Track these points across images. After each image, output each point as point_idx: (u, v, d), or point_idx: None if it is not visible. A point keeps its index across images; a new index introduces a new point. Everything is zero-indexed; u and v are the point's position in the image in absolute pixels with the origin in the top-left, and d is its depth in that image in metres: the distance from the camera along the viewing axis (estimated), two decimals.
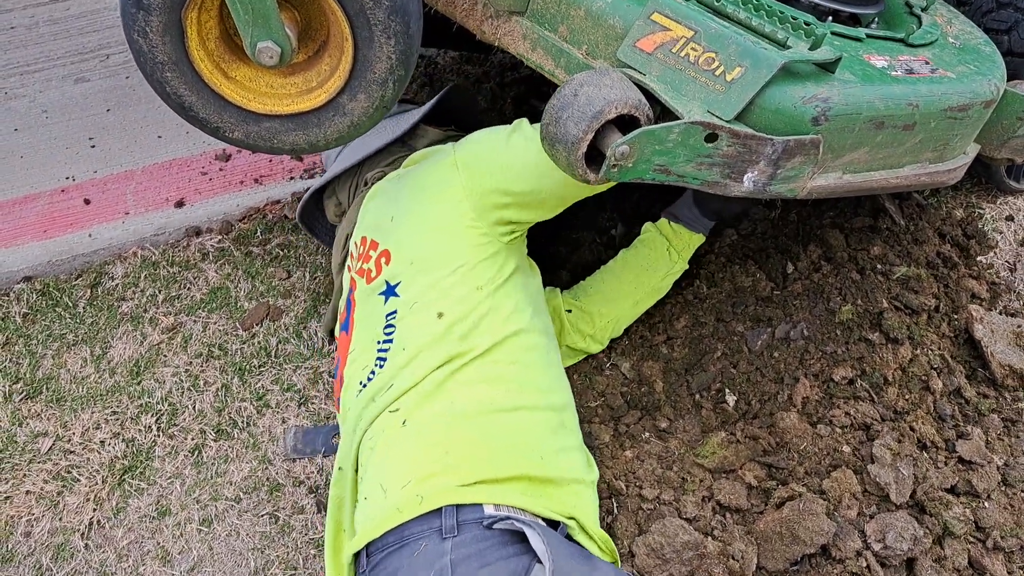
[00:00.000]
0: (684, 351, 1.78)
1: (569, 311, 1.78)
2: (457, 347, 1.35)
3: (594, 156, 1.21)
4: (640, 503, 1.54)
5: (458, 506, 1.20)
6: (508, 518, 1.18)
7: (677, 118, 1.18)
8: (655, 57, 1.26)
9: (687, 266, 1.83)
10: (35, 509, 1.68)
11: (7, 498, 1.70)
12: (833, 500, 1.47)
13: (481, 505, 1.21)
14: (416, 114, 1.76)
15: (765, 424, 1.62)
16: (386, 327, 1.41)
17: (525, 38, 1.41)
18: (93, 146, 2.44)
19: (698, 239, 1.83)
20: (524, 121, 1.48)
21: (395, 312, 1.41)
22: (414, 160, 1.58)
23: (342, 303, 1.59)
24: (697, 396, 1.72)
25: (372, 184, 1.62)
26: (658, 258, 1.78)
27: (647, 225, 1.86)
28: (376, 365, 1.39)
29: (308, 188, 1.92)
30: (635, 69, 1.26)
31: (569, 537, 1.32)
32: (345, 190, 1.77)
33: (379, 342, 1.41)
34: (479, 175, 1.44)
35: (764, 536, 1.45)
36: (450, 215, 1.43)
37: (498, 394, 1.34)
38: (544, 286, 1.82)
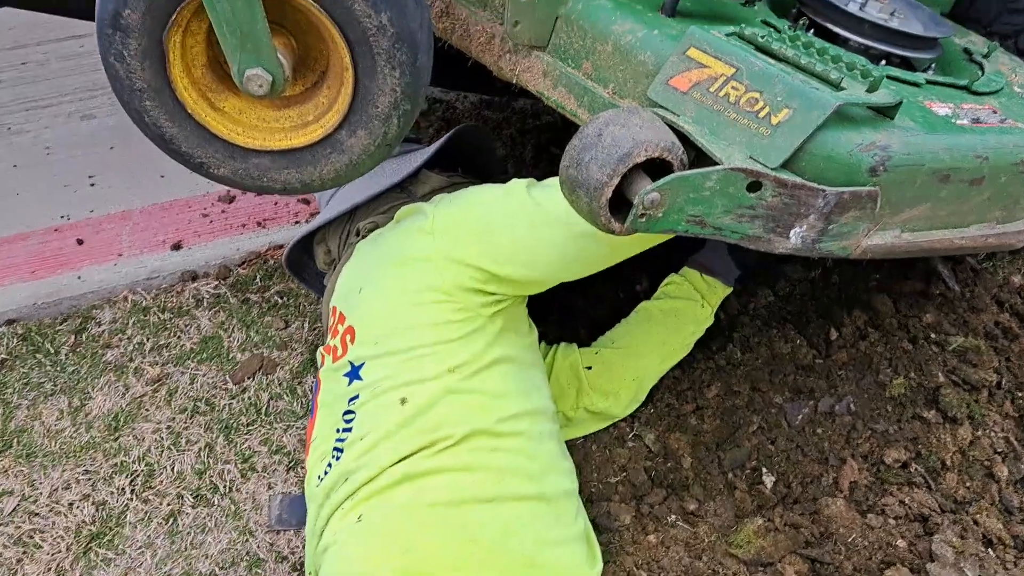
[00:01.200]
0: (715, 423, 1.60)
1: (589, 368, 1.61)
2: (423, 439, 1.18)
3: (620, 205, 1.07)
4: None
5: None
6: None
7: (714, 164, 1.04)
8: (690, 96, 1.12)
9: (713, 320, 1.67)
10: None
11: None
12: None
13: None
14: (419, 156, 1.62)
15: (808, 511, 1.44)
16: (346, 413, 1.25)
17: (546, 75, 1.28)
18: (93, 184, 2.34)
19: (727, 291, 1.68)
20: (522, 182, 1.31)
21: (357, 397, 1.25)
22: (401, 216, 1.43)
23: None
24: (730, 475, 1.54)
25: (364, 234, 1.48)
26: (689, 313, 1.63)
27: (672, 277, 1.70)
28: (333, 456, 1.23)
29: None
30: (668, 109, 1.13)
31: None
32: (336, 237, 1.61)
33: (338, 430, 1.25)
34: (457, 244, 1.28)
35: None
36: (419, 288, 1.27)
37: (475, 482, 1.16)
38: (559, 341, 1.67)
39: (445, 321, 1.25)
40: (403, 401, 1.21)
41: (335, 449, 1.25)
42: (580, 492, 1.55)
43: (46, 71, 2.92)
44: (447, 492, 1.16)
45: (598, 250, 1.23)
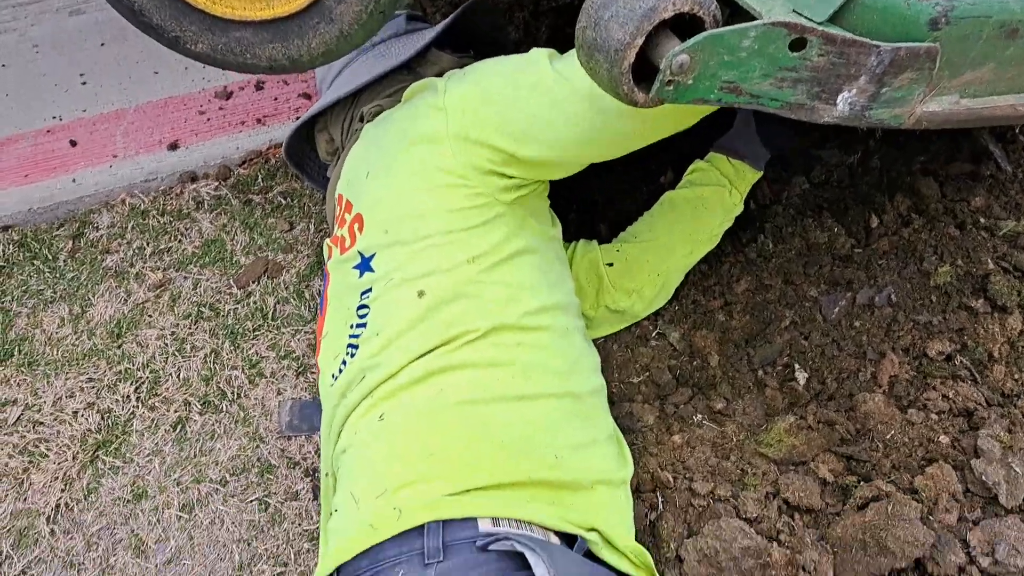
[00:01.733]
0: (745, 319, 1.51)
1: (610, 264, 1.50)
2: (443, 333, 1.09)
3: (645, 71, 0.95)
4: (691, 499, 1.29)
5: (445, 522, 0.95)
6: (506, 537, 0.93)
7: (752, 19, 0.91)
8: None
9: (743, 208, 1.56)
10: None
11: None
12: (928, 502, 1.21)
13: (475, 520, 0.96)
14: (427, 35, 1.48)
15: (843, 407, 1.35)
16: (359, 308, 1.16)
17: None
18: (84, 83, 2.22)
19: (756, 176, 1.55)
20: (543, 52, 1.18)
21: (370, 290, 1.15)
22: (410, 94, 1.30)
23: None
24: (760, 372, 1.45)
25: (369, 119, 1.36)
26: (717, 201, 1.51)
27: (697, 163, 1.57)
28: (347, 353, 1.14)
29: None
30: None
31: (590, 554, 1.07)
32: (338, 124, 1.48)
33: (352, 325, 1.16)
34: (471, 121, 1.15)
35: (843, 544, 1.20)
36: (430, 171, 1.16)
37: (499, 379, 1.08)
38: (578, 239, 1.56)
39: (460, 207, 1.15)
40: (420, 294, 1.12)
41: (349, 346, 1.17)
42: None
43: None
44: (470, 390, 1.08)
45: (626, 127, 1.11)
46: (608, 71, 0.93)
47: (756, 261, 1.57)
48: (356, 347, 1.15)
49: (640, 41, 0.90)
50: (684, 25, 0.93)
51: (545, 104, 1.11)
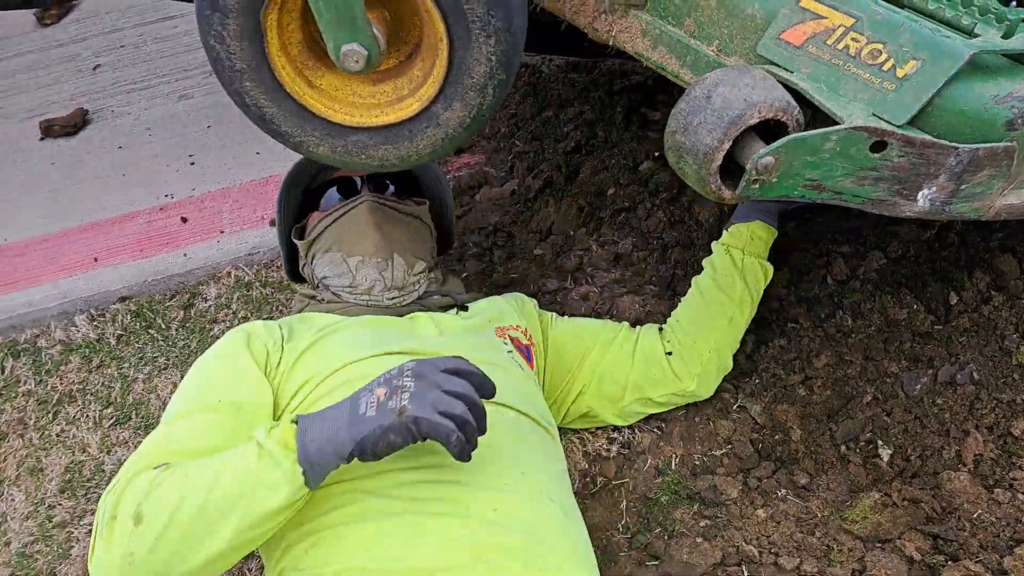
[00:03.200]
0: (826, 394, 1.54)
1: (669, 354, 1.53)
2: None
3: (730, 170, 1.02)
4: (776, 574, 1.32)
5: None
6: None
7: (834, 123, 0.97)
8: (805, 51, 1.05)
9: (770, 266, 1.58)
10: None
11: (91, 530, 1.63)
12: None
13: None
14: None
15: (928, 485, 1.37)
16: None
17: (644, 34, 1.22)
18: (193, 163, 2.41)
19: (760, 229, 1.57)
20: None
21: None
22: None
23: None
24: (843, 448, 1.47)
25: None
26: (724, 265, 1.56)
27: (713, 244, 1.63)
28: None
29: None
30: (780, 66, 1.06)
31: None
32: None
33: None
34: None
35: None
36: None
37: None
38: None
39: None
40: None
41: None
42: (685, 463, 1.53)
43: (142, 53, 3.01)
44: None
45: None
46: (696, 171, 1.01)
47: (835, 336, 1.60)
48: None
49: (727, 146, 0.98)
50: (768, 127, 1.00)
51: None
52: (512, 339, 1.45)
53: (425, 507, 1.08)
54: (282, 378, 1.24)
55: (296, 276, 1.64)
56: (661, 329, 1.58)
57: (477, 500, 1.10)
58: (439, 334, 1.39)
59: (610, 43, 1.28)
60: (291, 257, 1.63)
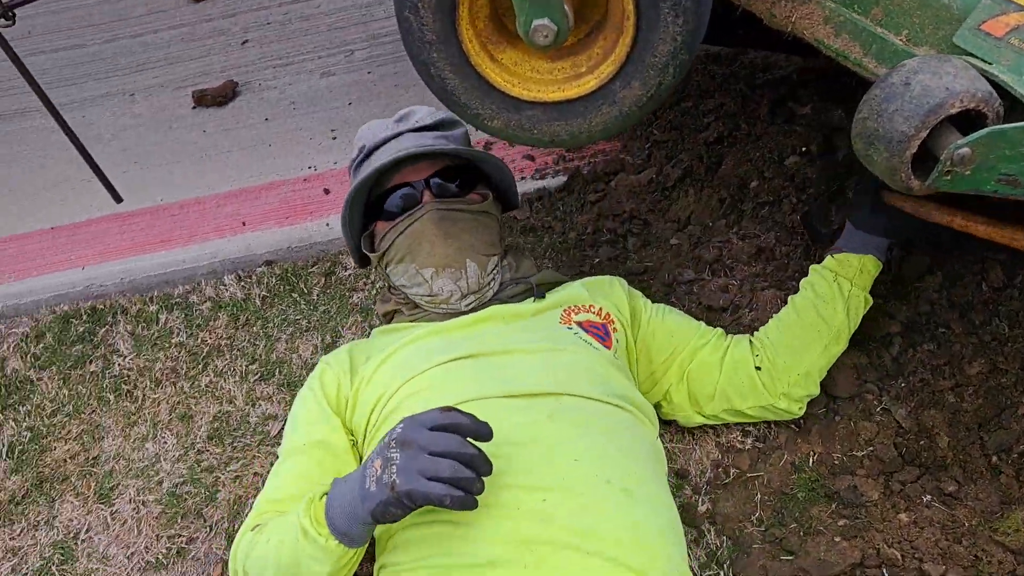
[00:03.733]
0: (978, 402, 1.49)
1: (758, 368, 1.49)
2: None
3: (918, 160, 1.00)
4: None
5: None
6: None
7: None
8: (1007, 43, 1.02)
9: (871, 300, 1.51)
10: None
11: (237, 477, 1.73)
12: None
13: None
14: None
15: None
16: None
17: (827, 21, 1.21)
18: (334, 138, 2.50)
19: (871, 263, 1.49)
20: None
21: None
22: None
23: None
24: (994, 458, 1.42)
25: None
26: (829, 293, 1.48)
27: (813, 266, 1.56)
28: None
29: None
30: (978, 57, 1.03)
31: None
32: None
33: None
34: None
35: None
36: None
37: None
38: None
39: None
40: None
41: None
42: (823, 462, 1.51)
43: (287, 31, 3.13)
44: None
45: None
46: (888, 159, 0.99)
47: (991, 344, 1.55)
48: None
49: (924, 134, 0.96)
50: (963, 119, 0.97)
51: None
52: (581, 322, 1.44)
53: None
54: (355, 403, 1.38)
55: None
56: (751, 342, 1.53)
57: (523, 498, 1.13)
58: (505, 324, 1.42)
59: (788, 29, 1.27)
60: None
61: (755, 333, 1.56)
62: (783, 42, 2.06)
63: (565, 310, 1.46)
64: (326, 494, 1.12)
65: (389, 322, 1.57)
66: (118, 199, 1.96)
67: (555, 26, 1.08)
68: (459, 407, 1.07)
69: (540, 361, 1.32)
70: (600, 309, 1.48)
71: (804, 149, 1.91)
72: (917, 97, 0.95)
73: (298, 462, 1.34)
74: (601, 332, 1.43)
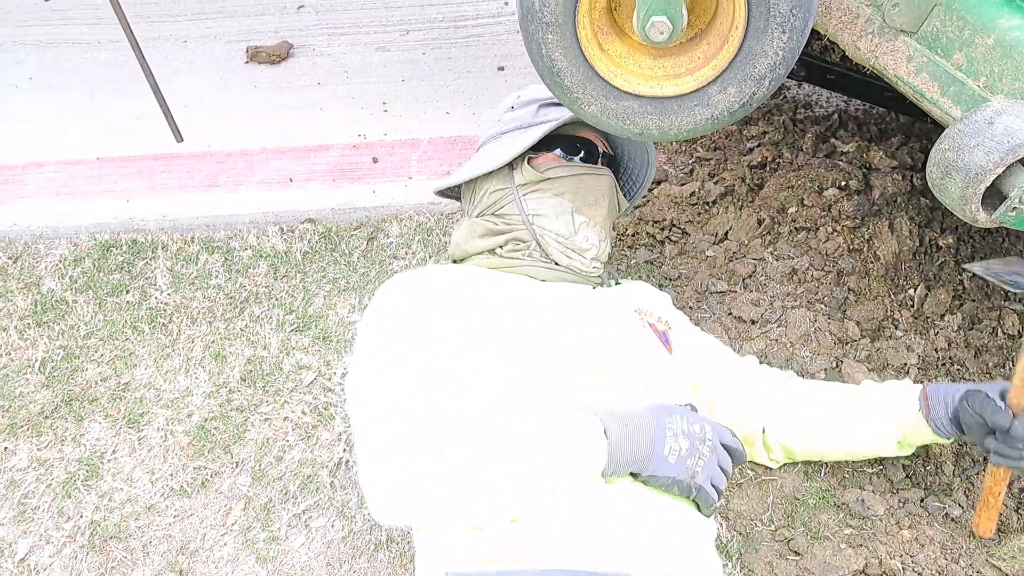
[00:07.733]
0: None
1: (764, 431, 1.50)
2: None
3: (986, 195, 1.09)
4: None
5: None
6: None
7: None
8: None
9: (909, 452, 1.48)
10: (290, 436, 1.74)
11: (267, 419, 1.78)
12: None
13: None
14: (528, 137, 1.49)
15: None
16: None
17: (910, 60, 1.30)
18: (386, 110, 2.56)
19: (936, 440, 1.42)
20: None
21: None
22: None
23: None
24: None
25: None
26: (888, 437, 1.44)
27: (890, 398, 1.47)
28: None
29: None
30: None
31: None
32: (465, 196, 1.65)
33: None
34: None
35: None
36: None
37: None
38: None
39: None
40: None
41: None
42: (834, 474, 1.59)
43: (343, 2, 3.19)
44: None
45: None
46: (962, 190, 1.08)
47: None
48: None
49: (1000, 170, 1.05)
50: None
51: None
52: (650, 324, 1.47)
53: None
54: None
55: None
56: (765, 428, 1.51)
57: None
58: (603, 310, 1.43)
59: (870, 63, 1.36)
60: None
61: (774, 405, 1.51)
62: (872, 91, 2.14)
63: (637, 310, 1.47)
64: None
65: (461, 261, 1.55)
66: (179, 138, 2.00)
67: (671, 24, 1.16)
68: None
69: (638, 378, 1.34)
70: (660, 316, 1.51)
71: (843, 184, 2.00)
72: (999, 135, 1.05)
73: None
74: (663, 338, 1.48)
